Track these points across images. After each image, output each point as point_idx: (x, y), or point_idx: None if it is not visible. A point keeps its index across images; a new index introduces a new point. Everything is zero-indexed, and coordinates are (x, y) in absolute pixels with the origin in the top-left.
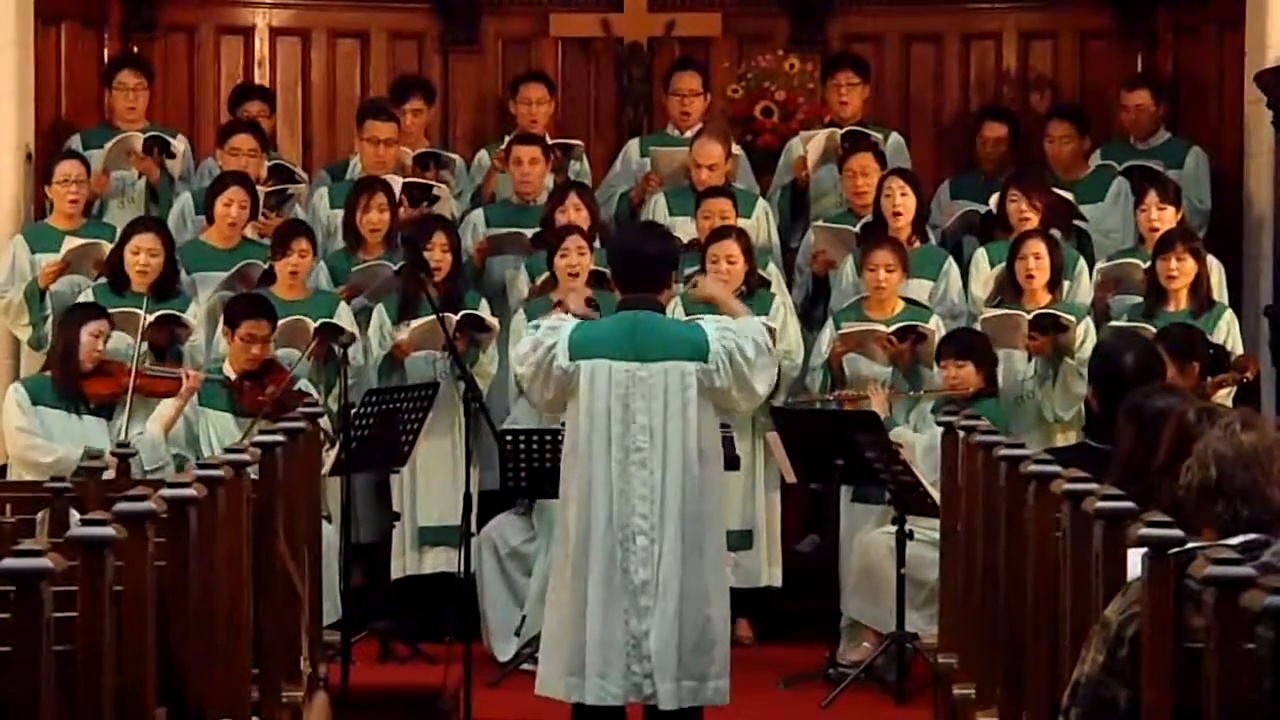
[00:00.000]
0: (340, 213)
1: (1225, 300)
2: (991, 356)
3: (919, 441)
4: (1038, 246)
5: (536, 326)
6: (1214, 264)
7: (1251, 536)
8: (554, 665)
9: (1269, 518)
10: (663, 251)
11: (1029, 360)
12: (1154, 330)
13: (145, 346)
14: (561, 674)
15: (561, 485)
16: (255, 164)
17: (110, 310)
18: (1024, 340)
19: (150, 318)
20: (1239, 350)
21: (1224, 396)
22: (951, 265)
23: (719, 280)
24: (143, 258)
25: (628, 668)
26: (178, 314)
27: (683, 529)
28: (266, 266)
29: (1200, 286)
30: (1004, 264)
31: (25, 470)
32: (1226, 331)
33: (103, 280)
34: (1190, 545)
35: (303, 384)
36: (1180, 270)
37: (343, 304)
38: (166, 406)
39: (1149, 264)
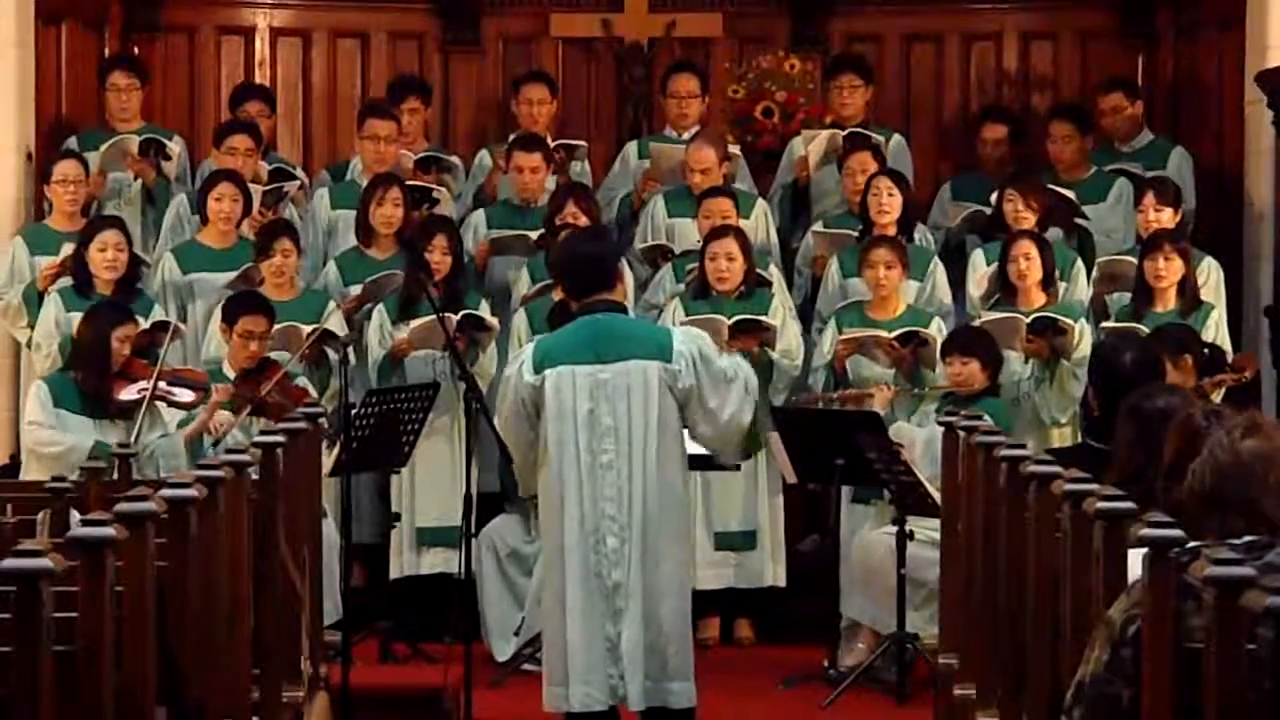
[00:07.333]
0: (341, 213)
1: (1220, 300)
2: (997, 355)
3: (919, 435)
4: (1027, 247)
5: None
6: (1211, 264)
7: (1255, 537)
8: (548, 677)
9: (1263, 530)
10: (597, 250)
11: (1025, 362)
12: (1145, 330)
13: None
14: (552, 684)
15: (540, 492)
16: (251, 164)
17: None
18: (1022, 343)
19: (145, 324)
20: (1229, 350)
21: (1217, 396)
22: (937, 265)
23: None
24: (110, 253)
25: (606, 670)
26: (167, 320)
27: (646, 529)
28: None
29: (1187, 286)
30: (999, 264)
31: (38, 465)
32: (1215, 331)
33: (66, 283)
34: (1192, 545)
35: (301, 380)
36: (1168, 270)
37: (332, 304)
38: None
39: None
